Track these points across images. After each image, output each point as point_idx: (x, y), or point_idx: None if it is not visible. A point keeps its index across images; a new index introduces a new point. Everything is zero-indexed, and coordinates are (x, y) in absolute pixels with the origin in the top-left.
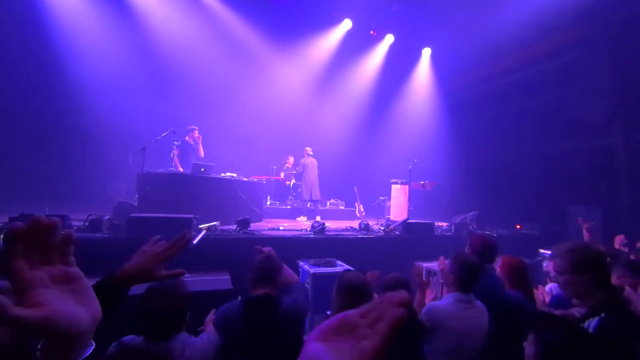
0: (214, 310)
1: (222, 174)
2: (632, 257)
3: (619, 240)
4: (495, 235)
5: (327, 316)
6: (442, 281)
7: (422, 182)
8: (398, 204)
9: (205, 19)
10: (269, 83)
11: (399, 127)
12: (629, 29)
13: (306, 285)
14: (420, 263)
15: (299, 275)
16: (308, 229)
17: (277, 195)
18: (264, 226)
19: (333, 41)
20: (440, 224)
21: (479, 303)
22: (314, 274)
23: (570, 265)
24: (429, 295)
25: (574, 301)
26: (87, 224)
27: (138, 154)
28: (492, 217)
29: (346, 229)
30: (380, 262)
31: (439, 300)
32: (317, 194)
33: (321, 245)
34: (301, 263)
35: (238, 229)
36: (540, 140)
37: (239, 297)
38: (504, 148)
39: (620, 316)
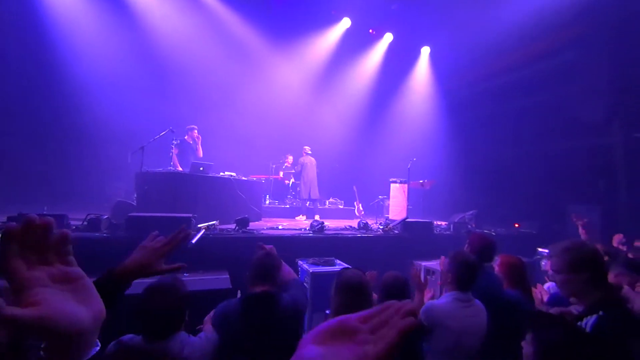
0: (214, 311)
1: (221, 173)
2: (630, 255)
3: (617, 239)
4: (493, 234)
5: (326, 315)
6: (440, 282)
7: (421, 181)
8: (397, 203)
9: (203, 18)
10: (268, 82)
11: (398, 126)
12: (628, 28)
13: (305, 284)
14: (419, 262)
15: (298, 274)
16: (307, 228)
17: (276, 194)
18: (263, 225)
19: (332, 40)
20: (439, 222)
21: (477, 302)
22: (313, 273)
23: (567, 264)
24: (427, 294)
25: (572, 300)
26: (85, 223)
27: (137, 153)
28: (490, 216)
29: (345, 228)
30: (379, 261)
31: (437, 299)
32: (315, 193)
33: (320, 244)
34: (300, 262)
35: (237, 228)
36: (539, 139)
37: (239, 294)
38: (502, 147)
39: (617, 314)
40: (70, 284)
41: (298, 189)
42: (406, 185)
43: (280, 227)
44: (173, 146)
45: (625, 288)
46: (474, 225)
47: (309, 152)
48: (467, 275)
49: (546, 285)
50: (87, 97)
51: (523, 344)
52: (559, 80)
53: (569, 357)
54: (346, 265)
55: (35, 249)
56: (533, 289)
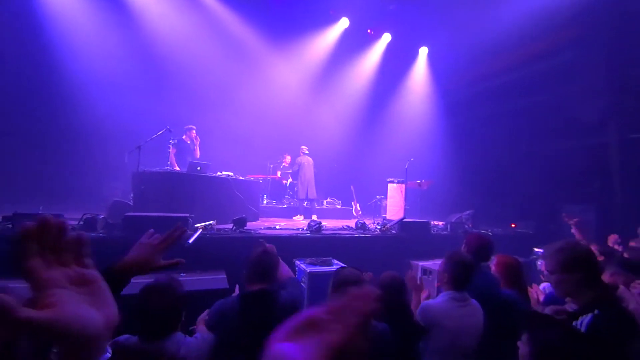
0: (207, 310)
1: (219, 173)
2: (625, 255)
3: (612, 239)
4: (490, 233)
5: None
6: (437, 283)
7: (418, 181)
8: (394, 203)
9: (201, 17)
10: (266, 81)
11: (396, 126)
12: (626, 29)
13: (303, 284)
14: (416, 262)
15: (295, 274)
16: (304, 228)
17: (273, 194)
18: (261, 225)
19: (330, 40)
20: (436, 222)
21: (473, 301)
22: (310, 272)
23: (560, 265)
24: (423, 294)
25: (567, 299)
26: (81, 223)
27: (134, 152)
28: (487, 216)
29: (343, 228)
30: (376, 261)
31: (433, 299)
32: (313, 193)
33: (318, 244)
34: (298, 262)
35: (234, 228)
36: (535, 139)
37: (237, 289)
38: (499, 147)
39: (613, 313)
40: (86, 287)
41: (296, 188)
42: (403, 185)
43: (277, 227)
44: (170, 146)
45: (621, 288)
46: (470, 225)
47: (307, 152)
48: (463, 275)
49: (542, 286)
50: (84, 96)
51: (519, 344)
52: (556, 80)
53: (565, 357)
54: (343, 265)
55: (52, 249)
56: (529, 289)
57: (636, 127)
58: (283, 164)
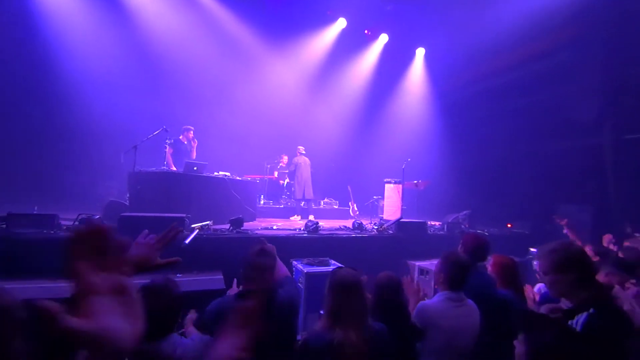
0: (192, 310)
1: (215, 173)
2: (620, 255)
3: (607, 239)
4: (487, 234)
5: (321, 315)
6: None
7: (415, 182)
8: (391, 203)
9: (197, 16)
10: (263, 81)
11: (393, 126)
12: (622, 30)
13: (300, 284)
14: (413, 262)
15: (292, 275)
16: (302, 228)
17: (270, 194)
18: (258, 225)
19: (327, 40)
20: (433, 223)
21: (470, 301)
22: (307, 273)
23: (554, 266)
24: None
25: (562, 300)
26: (77, 223)
27: (130, 152)
28: (483, 216)
29: (340, 228)
30: (373, 261)
31: (429, 299)
32: (309, 193)
33: (315, 244)
34: (295, 262)
35: (231, 228)
36: (531, 140)
37: (234, 285)
38: (496, 148)
39: (608, 312)
40: (123, 296)
41: (293, 189)
42: (400, 185)
43: (274, 227)
44: (167, 145)
45: (616, 287)
46: (467, 226)
47: (303, 152)
48: (459, 275)
49: (537, 286)
50: (80, 96)
51: (516, 343)
52: (552, 81)
53: (561, 356)
54: (341, 266)
55: (98, 254)
56: (525, 289)
57: (631, 128)
58: (280, 164)
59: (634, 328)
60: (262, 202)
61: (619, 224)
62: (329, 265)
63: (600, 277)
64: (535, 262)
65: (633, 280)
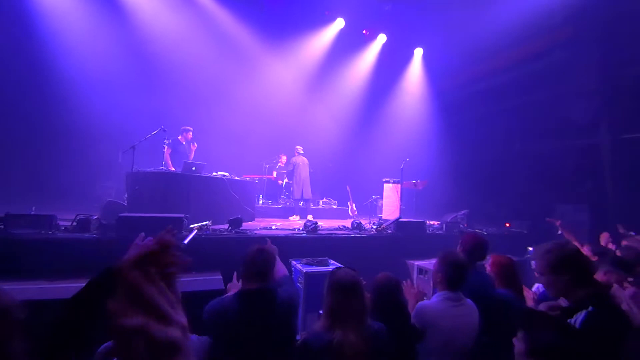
0: (205, 310)
1: (214, 173)
2: (618, 253)
3: (604, 238)
4: (485, 233)
5: (320, 315)
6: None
7: (414, 181)
8: (390, 203)
9: (196, 16)
10: (262, 81)
11: (391, 126)
12: (618, 30)
13: (299, 284)
14: (412, 261)
15: (291, 275)
16: (301, 228)
17: (269, 194)
18: (257, 225)
19: (326, 40)
20: (431, 222)
21: (468, 301)
22: (306, 273)
23: (549, 266)
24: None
25: (561, 299)
26: (75, 224)
27: (128, 152)
28: (482, 216)
29: (339, 228)
30: (372, 261)
31: (427, 300)
32: (308, 193)
33: (314, 244)
34: (294, 262)
35: (230, 228)
36: (528, 139)
37: (234, 279)
38: (494, 147)
39: (606, 310)
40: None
41: (291, 189)
42: (399, 185)
43: (273, 227)
44: (165, 145)
45: (614, 286)
46: (465, 225)
47: (301, 151)
48: (456, 275)
49: (535, 286)
50: (77, 95)
51: (515, 341)
52: (549, 81)
53: (560, 354)
54: (340, 265)
55: (154, 265)
56: (524, 288)
57: (628, 127)
58: (279, 164)
59: (632, 327)
60: (260, 202)
61: (616, 223)
62: (328, 265)
63: (599, 276)
64: (533, 262)
65: (631, 279)
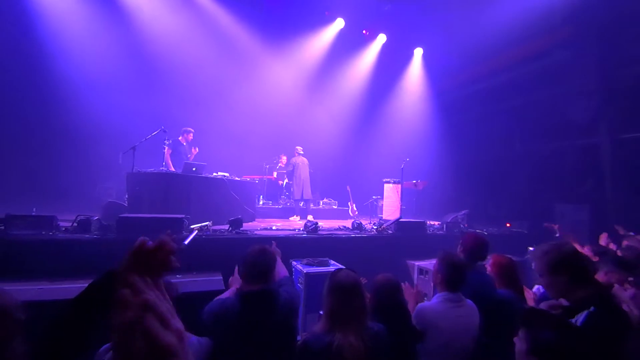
0: (204, 312)
1: (214, 174)
2: (619, 254)
3: (603, 238)
4: (486, 233)
5: (320, 316)
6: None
7: (414, 182)
8: (390, 203)
9: (195, 16)
10: (262, 82)
11: (391, 126)
12: (617, 30)
13: (299, 284)
14: (412, 262)
15: (292, 275)
16: (301, 229)
17: (269, 194)
18: (257, 226)
19: (325, 40)
20: (432, 222)
21: (469, 302)
22: (307, 273)
23: (548, 267)
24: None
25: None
26: (75, 224)
27: (128, 153)
28: (482, 216)
29: (339, 229)
30: (373, 261)
31: (427, 301)
32: (308, 193)
33: (314, 244)
34: (294, 263)
35: (230, 229)
36: (528, 139)
37: (235, 273)
38: (494, 147)
39: (608, 310)
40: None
41: (292, 189)
42: (399, 185)
43: (274, 227)
44: (165, 146)
45: (615, 286)
46: (466, 225)
47: (301, 152)
48: (455, 276)
49: (535, 287)
50: (78, 96)
51: (515, 340)
52: (549, 81)
53: (562, 353)
54: (340, 266)
55: (148, 268)
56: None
57: (627, 127)
58: (279, 165)
59: (633, 327)
60: (261, 202)
61: (616, 222)
62: (329, 266)
63: (600, 276)
64: (534, 262)
65: (632, 279)
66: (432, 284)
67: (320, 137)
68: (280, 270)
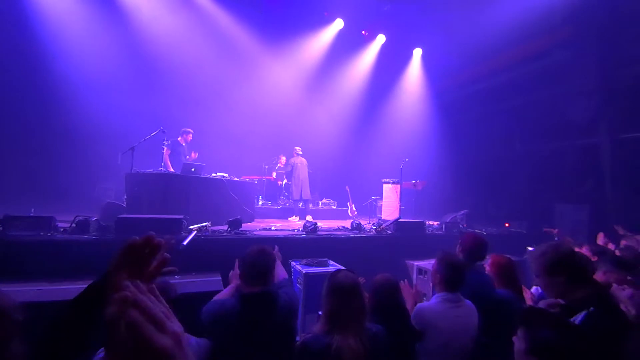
0: (202, 314)
1: (213, 174)
2: (618, 253)
3: (600, 238)
4: (484, 233)
5: (319, 316)
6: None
7: (413, 182)
8: (390, 203)
9: (195, 17)
10: (261, 82)
11: (391, 126)
12: (616, 30)
13: (298, 285)
14: (411, 262)
15: (291, 275)
16: (300, 229)
17: (269, 195)
18: (256, 226)
19: (325, 41)
20: (431, 222)
21: (467, 302)
22: (306, 274)
23: (544, 268)
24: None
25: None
26: (74, 225)
27: (127, 153)
28: (481, 216)
29: (338, 229)
30: (372, 261)
31: (426, 301)
32: (307, 193)
33: (313, 245)
34: (293, 263)
35: (229, 229)
36: (527, 139)
37: (236, 267)
38: (493, 147)
39: (607, 311)
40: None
41: (291, 189)
42: (398, 185)
43: (273, 228)
44: (164, 147)
45: (613, 286)
46: (465, 225)
47: (300, 152)
48: (454, 276)
49: (533, 288)
50: (77, 97)
51: (514, 339)
52: (548, 81)
53: (561, 352)
54: (339, 266)
55: (138, 265)
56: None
57: (627, 127)
58: (278, 165)
59: (631, 327)
60: (260, 202)
61: (616, 222)
62: (328, 266)
63: (599, 275)
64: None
65: (631, 278)
66: (431, 284)
67: (319, 138)
68: (280, 272)
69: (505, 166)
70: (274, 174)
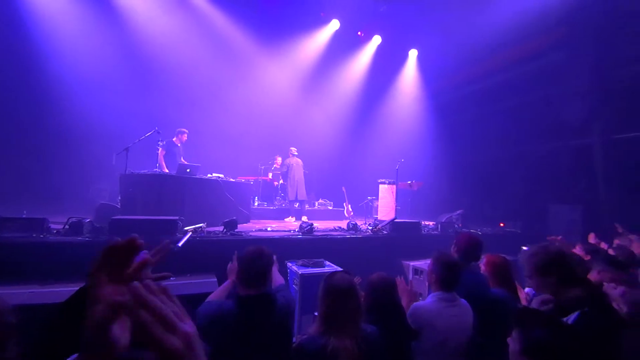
0: (198, 317)
1: (209, 175)
2: (611, 252)
3: (592, 237)
4: (480, 233)
5: (315, 317)
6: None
7: (409, 182)
8: (386, 204)
9: (190, 17)
10: (257, 83)
11: (386, 127)
12: (611, 31)
13: (295, 285)
14: (407, 262)
15: (287, 276)
16: (296, 230)
17: (264, 195)
18: (252, 227)
19: (321, 41)
20: (427, 223)
21: (463, 301)
22: (302, 274)
23: (535, 269)
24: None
25: None
26: (67, 227)
27: (121, 154)
28: (476, 216)
29: (334, 229)
30: (368, 262)
31: (422, 300)
32: (302, 194)
33: (309, 245)
34: (289, 264)
35: (225, 230)
36: (522, 140)
37: (235, 261)
38: (488, 148)
39: (600, 310)
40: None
41: (287, 190)
42: (394, 186)
43: (269, 228)
44: (159, 147)
45: (605, 285)
46: (460, 225)
47: (295, 153)
48: (449, 276)
49: (527, 289)
50: (70, 97)
51: (509, 340)
52: (544, 82)
53: (555, 353)
54: (335, 267)
55: (119, 267)
56: (518, 287)
57: (620, 128)
58: (274, 166)
59: (624, 326)
60: (256, 203)
61: (609, 222)
62: (324, 267)
63: (593, 275)
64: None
65: (624, 277)
66: (426, 284)
67: (315, 138)
68: (277, 278)
69: (501, 167)
70: (270, 175)
